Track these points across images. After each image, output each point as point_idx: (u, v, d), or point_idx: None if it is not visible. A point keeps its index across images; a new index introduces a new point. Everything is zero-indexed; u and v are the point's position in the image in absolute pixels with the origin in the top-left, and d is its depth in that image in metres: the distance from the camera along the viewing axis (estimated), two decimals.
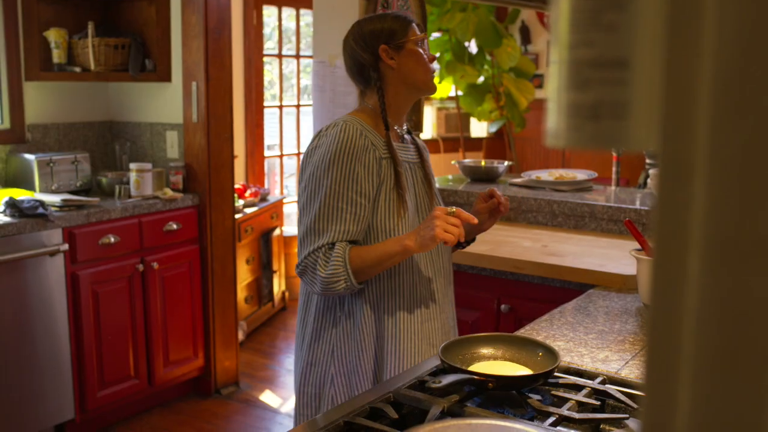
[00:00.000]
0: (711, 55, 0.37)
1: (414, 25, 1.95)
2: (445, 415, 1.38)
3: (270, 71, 6.26)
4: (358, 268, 1.78)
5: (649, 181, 3.23)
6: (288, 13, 6.29)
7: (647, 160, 4.13)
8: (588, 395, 1.46)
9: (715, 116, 0.37)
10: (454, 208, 1.74)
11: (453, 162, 4.05)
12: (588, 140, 0.43)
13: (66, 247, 3.40)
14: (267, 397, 4.23)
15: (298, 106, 6.52)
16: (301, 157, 1.93)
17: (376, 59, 1.91)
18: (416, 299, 1.92)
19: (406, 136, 2.02)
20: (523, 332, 1.94)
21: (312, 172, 1.84)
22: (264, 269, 5.30)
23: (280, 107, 6.33)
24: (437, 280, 1.98)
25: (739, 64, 0.37)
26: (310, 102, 5.30)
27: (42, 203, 3.35)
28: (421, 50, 1.93)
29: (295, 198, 6.58)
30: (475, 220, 1.78)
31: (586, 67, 0.43)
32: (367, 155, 1.84)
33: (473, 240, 2.14)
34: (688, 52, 0.38)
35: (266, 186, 6.14)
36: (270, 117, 6.22)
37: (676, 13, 0.39)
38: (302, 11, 6.33)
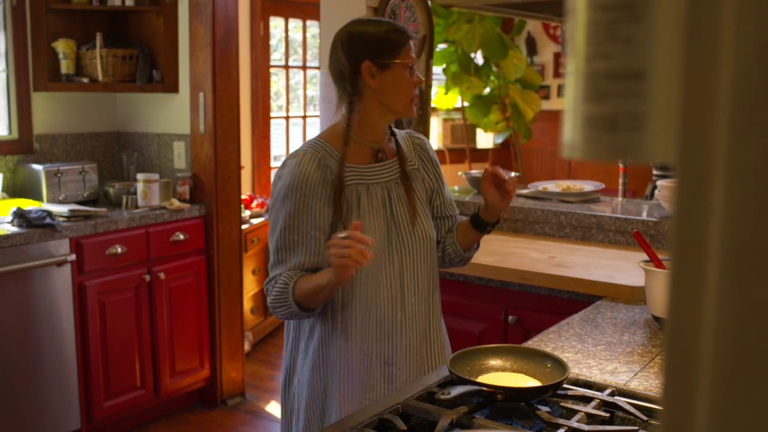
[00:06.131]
0: (729, 66, 0.38)
1: (411, 44, 1.85)
2: (453, 426, 1.38)
3: (276, 82, 6.27)
4: (300, 297, 1.80)
5: (656, 192, 3.22)
6: (294, 24, 6.31)
7: (654, 172, 4.13)
8: (597, 407, 1.45)
9: (734, 127, 0.38)
10: (345, 232, 1.70)
11: (459, 173, 4.05)
12: (605, 152, 0.43)
13: (73, 257, 3.41)
14: (273, 408, 4.22)
15: (304, 117, 6.54)
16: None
17: (356, 72, 1.82)
18: (372, 319, 1.88)
19: (395, 143, 1.96)
20: (531, 344, 1.93)
21: (272, 204, 1.88)
22: None
23: (287, 118, 6.34)
24: (407, 299, 1.91)
25: (758, 75, 0.37)
26: (317, 113, 5.31)
27: (49, 213, 3.36)
28: (408, 74, 1.84)
29: None
30: (369, 241, 1.69)
31: (603, 78, 0.43)
32: (324, 187, 1.83)
33: (497, 223, 2.01)
34: (705, 64, 0.39)
35: None
36: (276, 128, 6.24)
37: (693, 25, 0.39)
38: (308, 22, 6.35)
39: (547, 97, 7.63)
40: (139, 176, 3.85)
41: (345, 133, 1.87)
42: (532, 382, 1.53)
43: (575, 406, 1.45)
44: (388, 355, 1.90)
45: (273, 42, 6.11)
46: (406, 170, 1.95)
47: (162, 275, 3.79)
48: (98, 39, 3.88)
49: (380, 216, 1.88)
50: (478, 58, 6.30)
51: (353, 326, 1.88)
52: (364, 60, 1.80)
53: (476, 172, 3.99)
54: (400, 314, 1.90)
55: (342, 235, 1.68)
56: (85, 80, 3.92)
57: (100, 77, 3.89)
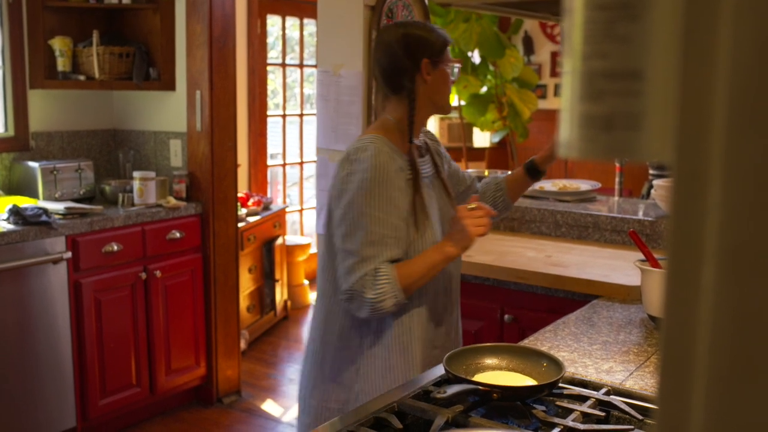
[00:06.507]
0: (726, 65, 0.37)
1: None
2: (449, 425, 1.38)
3: (273, 80, 6.27)
4: (406, 284, 1.83)
5: (652, 191, 3.23)
6: (291, 22, 6.30)
7: (650, 171, 4.13)
8: (593, 406, 1.45)
9: (730, 127, 0.37)
10: (473, 204, 1.85)
11: None
12: (601, 151, 0.43)
13: (69, 254, 3.40)
14: (269, 406, 4.22)
15: (301, 115, 6.53)
16: (334, 178, 1.92)
17: (415, 69, 1.92)
18: (436, 307, 1.99)
19: (421, 145, 2.05)
20: (527, 342, 1.94)
21: (352, 199, 1.84)
22: (266, 278, 5.30)
23: (284, 116, 6.34)
24: (452, 286, 2.06)
25: (755, 74, 0.37)
26: (313, 111, 5.31)
27: (45, 211, 3.35)
28: (450, 73, 1.99)
29: (297, 207, 6.58)
30: (494, 212, 1.92)
31: (600, 78, 0.43)
32: (399, 179, 1.88)
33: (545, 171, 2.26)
34: (702, 63, 0.39)
35: (269, 195, 6.15)
36: (273, 126, 6.23)
37: (690, 24, 0.39)
38: (306, 20, 6.35)
39: (543, 96, 7.63)
40: (136, 174, 3.84)
41: (409, 130, 1.94)
42: (527, 381, 1.53)
43: (571, 405, 1.45)
44: (437, 338, 2.02)
45: (270, 40, 6.11)
46: (437, 161, 2.10)
47: (158, 273, 3.78)
48: (95, 36, 3.88)
49: (435, 207, 1.99)
50: (475, 57, 6.30)
51: (429, 312, 1.97)
52: (422, 58, 1.91)
53: (473, 171, 3.99)
54: (448, 299, 2.04)
55: (471, 206, 1.85)
56: (82, 78, 3.91)
57: (97, 75, 3.88)
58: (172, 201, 3.89)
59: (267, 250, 5.28)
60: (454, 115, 7.29)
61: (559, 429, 1.36)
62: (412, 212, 1.89)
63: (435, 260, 1.85)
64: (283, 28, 6.20)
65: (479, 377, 1.54)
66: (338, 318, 1.94)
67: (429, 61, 1.92)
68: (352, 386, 1.93)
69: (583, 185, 3.53)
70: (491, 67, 6.29)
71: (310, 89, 6.56)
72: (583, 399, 1.48)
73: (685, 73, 0.39)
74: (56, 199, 3.72)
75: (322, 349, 1.97)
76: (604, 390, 1.52)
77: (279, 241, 5.45)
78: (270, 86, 6.17)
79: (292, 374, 4.73)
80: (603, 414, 1.44)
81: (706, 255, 0.39)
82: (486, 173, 3.89)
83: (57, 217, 3.44)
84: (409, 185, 1.90)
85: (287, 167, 6.46)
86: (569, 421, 1.38)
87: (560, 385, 1.52)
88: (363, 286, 1.80)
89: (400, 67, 1.92)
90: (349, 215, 1.84)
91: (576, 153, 0.45)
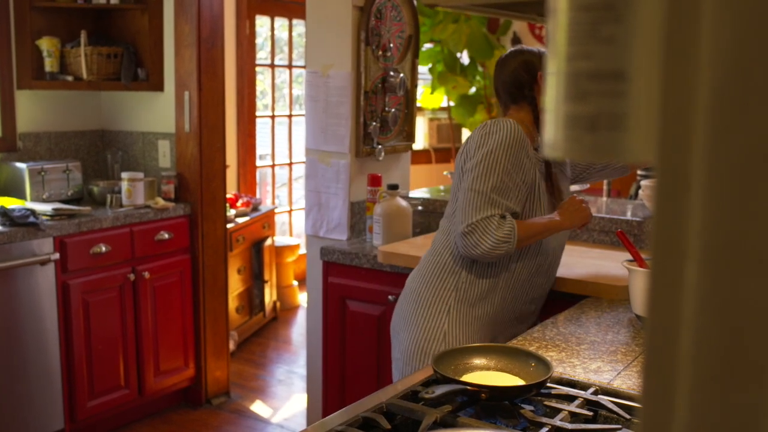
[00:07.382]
0: (708, 66, 0.38)
1: None
2: (438, 425, 1.38)
3: (262, 81, 6.26)
4: (522, 237, 2.11)
5: (640, 192, 3.24)
6: (280, 23, 6.30)
7: (638, 171, 4.14)
8: (581, 406, 1.46)
9: (713, 127, 0.38)
10: (580, 197, 2.26)
11: (445, 173, 4.05)
12: (586, 151, 0.44)
13: (57, 256, 3.39)
14: (258, 407, 4.22)
15: (290, 116, 6.53)
16: (469, 139, 2.24)
17: (533, 82, 2.29)
18: (531, 282, 2.28)
19: None
20: (516, 343, 1.94)
21: (490, 150, 2.13)
22: (255, 279, 5.29)
23: (272, 117, 6.33)
24: (550, 274, 2.36)
25: (736, 75, 0.37)
26: (302, 112, 5.31)
27: (33, 212, 3.34)
28: None
29: (286, 208, 6.59)
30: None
31: (584, 79, 0.43)
32: (529, 150, 2.17)
33: None
34: (685, 64, 0.39)
35: (258, 196, 6.14)
36: (262, 127, 6.23)
37: (673, 26, 0.39)
38: (295, 21, 6.34)
39: None
40: (124, 175, 3.83)
41: (537, 125, 2.28)
42: (516, 381, 1.53)
43: (559, 405, 1.45)
44: (523, 312, 2.33)
45: (259, 41, 6.10)
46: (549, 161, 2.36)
47: (146, 274, 3.77)
48: (83, 37, 3.86)
49: (547, 197, 2.30)
50: (464, 57, 6.31)
51: (525, 283, 2.27)
52: (538, 71, 2.29)
53: None
54: (545, 283, 2.36)
55: (582, 197, 2.31)
56: (70, 78, 3.90)
57: (85, 75, 3.87)
58: (161, 202, 3.88)
59: (256, 251, 5.27)
60: (443, 115, 7.31)
61: (547, 429, 1.36)
62: (541, 191, 2.22)
63: (550, 226, 2.17)
64: (272, 29, 6.20)
65: (467, 377, 1.55)
66: (440, 259, 2.24)
67: (542, 74, 2.25)
68: (442, 326, 2.19)
69: (572, 186, 3.53)
70: (480, 68, 6.30)
71: (299, 90, 6.56)
72: (571, 399, 1.49)
73: (668, 73, 0.39)
74: (44, 200, 3.71)
75: (419, 287, 2.25)
76: (591, 390, 1.53)
77: (268, 242, 5.44)
78: (259, 87, 6.16)
79: (281, 375, 4.72)
80: (591, 413, 1.45)
81: (690, 254, 0.39)
82: None
83: (45, 218, 3.42)
84: (536, 168, 2.20)
85: (276, 168, 6.45)
86: (557, 421, 1.38)
87: (548, 384, 1.53)
88: (488, 224, 2.07)
89: (522, 81, 2.29)
90: (485, 161, 2.12)
91: (561, 153, 0.45)
